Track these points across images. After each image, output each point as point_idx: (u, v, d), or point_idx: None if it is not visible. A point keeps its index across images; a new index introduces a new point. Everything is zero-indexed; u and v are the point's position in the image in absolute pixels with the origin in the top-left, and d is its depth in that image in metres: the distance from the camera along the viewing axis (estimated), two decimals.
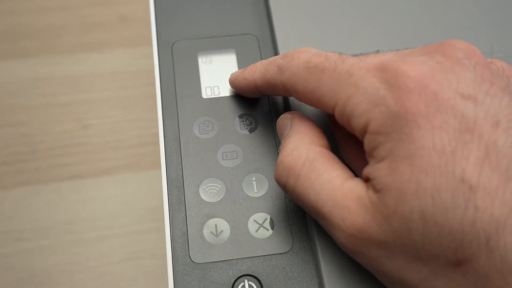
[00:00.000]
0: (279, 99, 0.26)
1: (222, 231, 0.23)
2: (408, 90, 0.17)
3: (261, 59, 0.28)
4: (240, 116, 0.26)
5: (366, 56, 0.19)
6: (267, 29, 0.29)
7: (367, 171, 0.18)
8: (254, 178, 0.24)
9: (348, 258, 0.21)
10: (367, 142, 0.18)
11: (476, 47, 0.18)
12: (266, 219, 0.23)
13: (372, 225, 0.17)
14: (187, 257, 0.22)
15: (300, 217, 0.23)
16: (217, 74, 0.27)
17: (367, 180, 0.18)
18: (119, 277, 0.38)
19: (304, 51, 0.21)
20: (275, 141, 0.25)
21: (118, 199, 0.41)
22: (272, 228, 0.23)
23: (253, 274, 0.22)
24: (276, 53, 0.28)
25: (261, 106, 0.26)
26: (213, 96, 0.26)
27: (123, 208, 0.40)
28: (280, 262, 0.22)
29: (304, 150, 0.20)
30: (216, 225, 0.23)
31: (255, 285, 0.21)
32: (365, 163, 0.19)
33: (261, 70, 0.23)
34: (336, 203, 0.18)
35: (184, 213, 0.23)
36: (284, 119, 0.22)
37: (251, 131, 0.25)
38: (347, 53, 0.25)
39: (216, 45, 0.28)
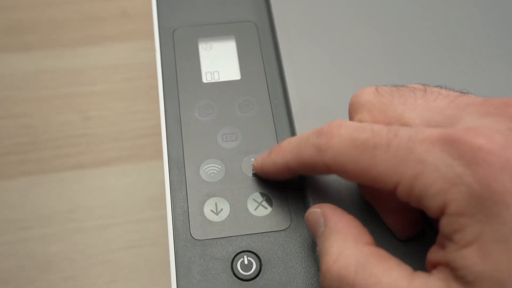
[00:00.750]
0: (277, 80, 0.27)
1: (222, 209, 0.23)
2: (489, 166, 0.15)
3: (260, 47, 0.28)
4: (239, 100, 0.27)
5: (420, 128, 0.17)
6: (266, 16, 0.29)
7: (446, 257, 0.16)
8: (253, 159, 0.25)
9: None
10: (446, 224, 0.16)
11: None
12: (264, 197, 0.24)
13: None
14: (188, 234, 0.23)
15: (298, 195, 0.24)
16: (217, 60, 0.28)
17: (436, 266, 0.16)
18: (120, 264, 0.38)
19: (343, 125, 0.18)
20: (273, 123, 0.26)
21: (119, 188, 0.41)
22: (271, 206, 0.23)
23: (252, 250, 0.22)
24: (275, 41, 0.28)
25: (259, 89, 0.27)
26: (213, 81, 0.27)
27: (124, 197, 0.41)
28: (279, 239, 0.23)
29: (351, 254, 0.17)
30: (216, 203, 0.23)
31: (254, 260, 0.22)
32: (410, 227, 0.19)
33: (292, 151, 0.20)
34: None
35: (185, 192, 0.24)
36: (314, 214, 0.20)
37: (250, 114, 0.26)
38: (352, 44, 0.26)
39: (216, 32, 0.29)
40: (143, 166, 0.43)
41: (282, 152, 0.21)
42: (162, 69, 0.27)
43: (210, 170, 0.24)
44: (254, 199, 0.24)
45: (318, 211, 0.20)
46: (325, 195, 0.23)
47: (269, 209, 0.23)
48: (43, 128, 0.44)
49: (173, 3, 0.30)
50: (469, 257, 0.15)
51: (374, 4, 0.29)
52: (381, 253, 0.18)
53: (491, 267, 0.14)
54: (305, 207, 0.23)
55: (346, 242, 0.18)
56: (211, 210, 0.23)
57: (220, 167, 0.24)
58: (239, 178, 0.24)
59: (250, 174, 0.24)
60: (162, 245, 0.39)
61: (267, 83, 0.27)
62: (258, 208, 0.23)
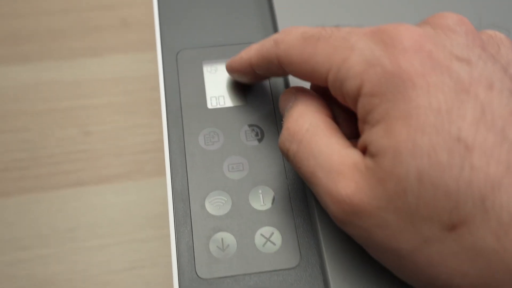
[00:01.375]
0: None
1: (228, 245, 0.22)
2: (404, 49, 0.17)
3: None
4: (246, 127, 0.26)
5: (363, 27, 0.19)
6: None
7: (362, 139, 0.18)
8: (260, 191, 0.24)
9: (358, 273, 0.21)
10: (361, 106, 0.18)
11: (466, 18, 0.19)
12: (273, 233, 0.23)
13: (365, 190, 0.17)
14: (193, 272, 0.22)
15: (307, 231, 0.23)
16: (222, 83, 0.27)
17: (363, 149, 0.18)
18: (121, 285, 0.37)
19: (300, 27, 0.21)
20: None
21: (119, 206, 0.40)
22: (279, 242, 0.22)
23: None
24: None
25: (267, 116, 0.26)
26: (218, 107, 0.26)
27: (125, 215, 0.40)
28: (288, 278, 0.22)
29: (308, 117, 0.20)
30: (222, 239, 0.23)
31: None
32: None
33: (257, 46, 0.23)
34: (331, 168, 0.18)
35: (190, 226, 0.23)
36: (288, 93, 0.22)
37: (257, 142, 0.25)
38: None
39: (222, 54, 0.28)
40: (144, 183, 0.42)
41: (249, 49, 0.23)
42: (165, 94, 0.26)
43: (216, 202, 0.23)
44: (261, 234, 0.23)
45: (293, 90, 0.22)
46: (335, 230, 0.22)
47: (278, 245, 0.22)
48: (42, 143, 0.43)
49: (177, 23, 0.29)
50: (375, 133, 0.17)
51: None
52: (333, 124, 0.20)
53: (392, 140, 0.16)
54: (316, 243, 0.22)
55: (307, 109, 0.20)
56: (217, 246, 0.22)
57: (226, 199, 0.24)
58: (247, 211, 0.23)
59: (258, 207, 0.23)
60: (164, 266, 0.38)
61: (274, 108, 0.26)
62: (266, 244, 0.22)
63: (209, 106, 0.26)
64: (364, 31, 0.18)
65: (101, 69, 0.47)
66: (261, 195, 0.24)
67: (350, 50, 0.18)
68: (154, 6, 0.28)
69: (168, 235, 0.39)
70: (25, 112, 0.44)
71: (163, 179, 0.42)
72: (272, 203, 0.23)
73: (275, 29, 0.28)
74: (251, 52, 0.23)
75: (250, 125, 0.26)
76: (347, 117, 0.21)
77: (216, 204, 0.23)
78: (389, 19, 0.28)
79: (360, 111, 0.18)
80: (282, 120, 0.22)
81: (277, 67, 0.21)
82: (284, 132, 0.21)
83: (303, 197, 0.24)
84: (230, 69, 0.25)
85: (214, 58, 0.28)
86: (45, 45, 0.47)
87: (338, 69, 0.18)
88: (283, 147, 0.21)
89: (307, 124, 0.20)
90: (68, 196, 0.40)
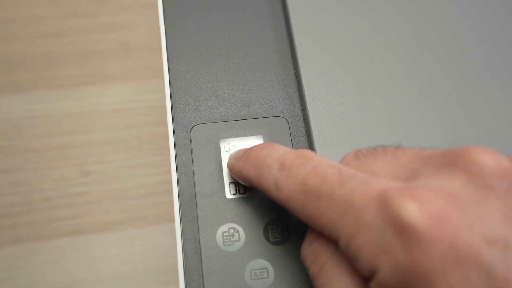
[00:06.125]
0: None
1: None
2: (417, 238, 0.14)
3: (292, 146, 0.24)
4: (271, 222, 0.22)
5: (367, 180, 0.16)
6: (299, 110, 0.25)
7: None
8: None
9: None
10: (375, 287, 0.15)
11: (504, 158, 0.15)
12: None
13: None
14: None
15: None
16: None
17: None
18: None
19: (304, 164, 0.18)
20: None
21: (121, 258, 0.37)
22: None
23: None
24: (309, 139, 0.24)
25: None
26: (238, 196, 0.23)
27: (127, 268, 0.37)
28: None
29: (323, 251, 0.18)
30: None
31: None
32: None
33: (256, 171, 0.20)
34: None
35: None
36: None
37: (283, 241, 0.22)
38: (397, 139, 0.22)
39: (240, 129, 0.24)
40: (148, 231, 0.38)
41: (249, 164, 0.21)
42: (177, 178, 0.23)
43: None
44: None
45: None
46: None
47: None
48: (37, 185, 0.39)
49: (190, 95, 0.25)
50: None
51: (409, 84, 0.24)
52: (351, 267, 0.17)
53: None
54: None
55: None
56: None
57: None
58: None
59: None
60: None
61: None
62: None
63: (228, 195, 0.23)
64: (370, 195, 0.15)
65: (100, 100, 0.43)
66: None
67: (356, 223, 0.15)
68: (165, 76, 0.24)
69: None
70: (16, 149, 0.40)
71: (168, 226, 0.39)
72: None
73: (302, 104, 0.25)
74: (251, 172, 0.20)
75: (275, 220, 0.22)
76: None
77: None
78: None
79: None
80: None
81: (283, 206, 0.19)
82: (306, 245, 0.19)
83: None
84: (231, 173, 0.23)
85: (232, 135, 0.24)
86: (40, 72, 0.43)
87: (347, 245, 0.16)
88: (304, 261, 0.19)
89: (333, 248, 0.17)
90: (65, 247, 0.37)
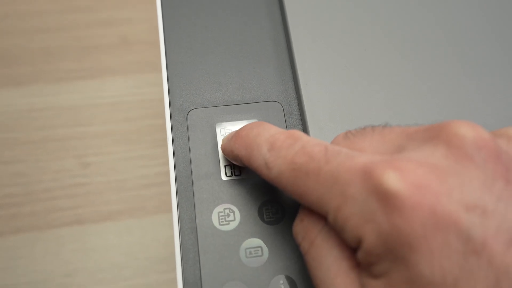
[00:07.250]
0: None
1: None
2: (399, 205, 0.14)
3: (286, 129, 0.25)
4: (265, 203, 0.23)
5: (351, 155, 0.17)
6: (293, 95, 0.25)
7: (360, 276, 0.16)
8: (281, 282, 0.21)
9: None
10: (361, 257, 0.16)
11: (483, 130, 0.16)
12: None
13: None
14: None
15: None
16: None
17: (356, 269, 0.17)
18: None
19: (292, 144, 0.19)
20: None
21: (121, 248, 0.38)
22: None
23: None
24: (303, 123, 0.24)
25: None
26: (233, 178, 0.23)
27: (127, 258, 0.38)
28: None
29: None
30: None
31: None
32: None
33: (247, 150, 0.21)
34: None
35: None
36: None
37: (277, 221, 0.22)
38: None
39: (236, 114, 0.25)
40: (147, 221, 0.39)
41: (239, 144, 0.21)
42: (174, 161, 0.24)
43: None
44: None
45: None
46: None
47: None
48: (37, 177, 0.40)
49: (187, 81, 0.26)
50: (376, 287, 0.15)
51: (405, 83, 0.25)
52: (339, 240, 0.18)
53: None
54: None
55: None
56: None
57: None
58: None
59: None
60: None
61: None
62: None
63: (223, 177, 0.23)
64: (355, 168, 0.16)
65: (100, 93, 0.44)
66: (282, 287, 0.21)
67: (342, 196, 0.16)
68: (162, 63, 0.25)
69: (173, 280, 0.37)
70: (17, 141, 0.41)
71: (167, 216, 0.39)
72: None
73: (297, 89, 0.25)
74: (241, 151, 0.21)
75: (269, 201, 0.23)
76: None
77: None
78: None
79: (360, 259, 0.16)
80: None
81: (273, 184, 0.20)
82: (298, 222, 0.19)
83: None
84: (223, 153, 0.23)
85: (228, 119, 0.25)
86: (40, 67, 0.44)
87: (335, 218, 0.16)
88: (296, 238, 0.19)
89: (322, 223, 0.18)
90: (65, 237, 0.38)
